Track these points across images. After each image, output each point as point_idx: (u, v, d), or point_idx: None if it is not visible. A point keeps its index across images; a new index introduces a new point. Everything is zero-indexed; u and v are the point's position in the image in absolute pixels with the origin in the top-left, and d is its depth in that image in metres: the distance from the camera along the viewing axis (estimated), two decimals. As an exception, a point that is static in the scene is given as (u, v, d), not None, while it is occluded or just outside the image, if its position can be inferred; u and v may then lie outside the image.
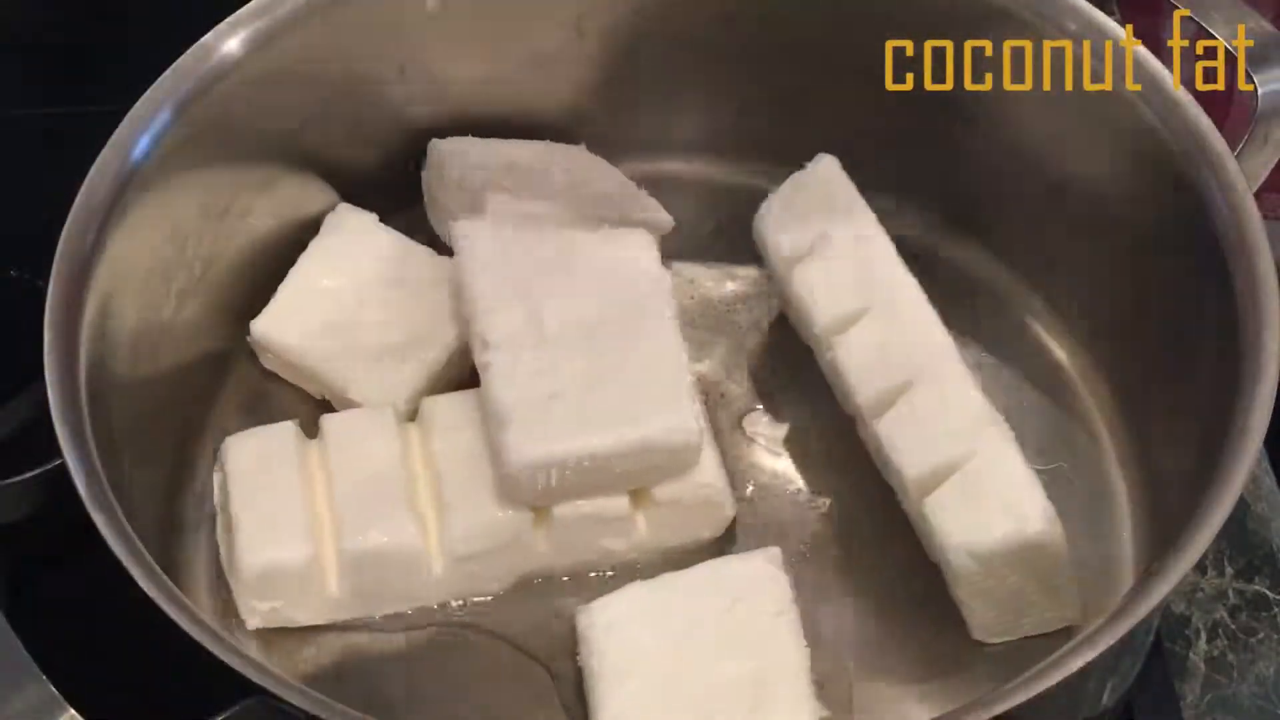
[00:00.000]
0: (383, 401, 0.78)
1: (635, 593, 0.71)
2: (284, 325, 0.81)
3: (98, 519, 0.64)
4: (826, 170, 0.82)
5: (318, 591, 0.73)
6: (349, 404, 0.79)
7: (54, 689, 0.60)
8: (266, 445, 0.75)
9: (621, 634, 0.70)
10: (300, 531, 0.72)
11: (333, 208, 0.87)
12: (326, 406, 0.81)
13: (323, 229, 0.84)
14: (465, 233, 0.77)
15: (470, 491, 0.73)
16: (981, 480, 0.71)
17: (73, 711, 0.60)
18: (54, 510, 0.69)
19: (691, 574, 0.72)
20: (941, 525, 0.71)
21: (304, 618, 0.73)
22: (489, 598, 0.75)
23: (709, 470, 0.75)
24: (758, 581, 0.72)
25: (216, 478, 0.76)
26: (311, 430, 0.77)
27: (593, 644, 0.70)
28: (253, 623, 0.73)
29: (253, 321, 0.81)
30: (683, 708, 0.68)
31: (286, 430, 0.75)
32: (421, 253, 0.84)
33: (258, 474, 0.73)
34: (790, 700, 0.68)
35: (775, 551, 0.73)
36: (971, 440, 0.72)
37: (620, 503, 0.74)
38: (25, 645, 0.61)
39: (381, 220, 0.85)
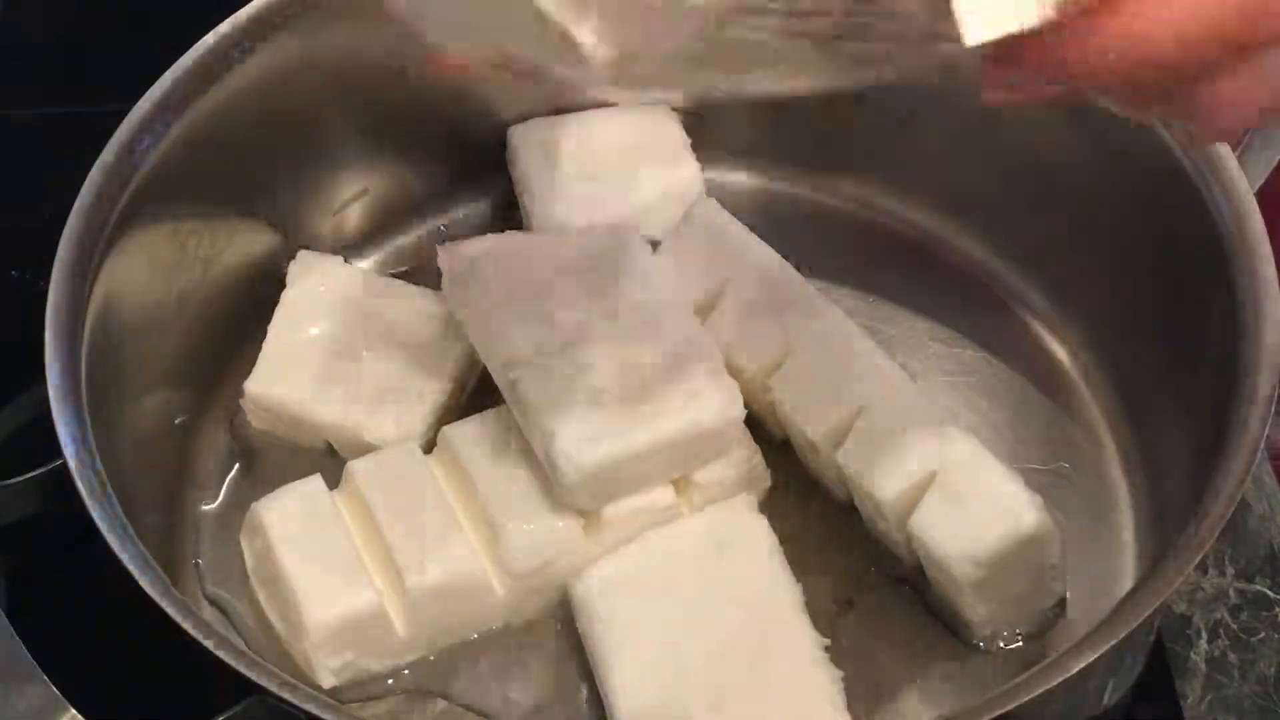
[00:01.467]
0: (397, 440, 0.77)
1: (624, 554, 0.72)
2: (280, 381, 0.79)
3: (98, 519, 0.64)
4: (707, 212, 0.81)
5: (387, 636, 0.72)
6: (360, 447, 0.78)
7: (55, 689, 0.60)
8: (300, 503, 0.73)
9: (618, 596, 0.70)
10: (362, 579, 0.71)
11: (335, 210, 0.87)
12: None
13: (289, 279, 0.82)
14: (448, 255, 0.77)
15: (518, 508, 0.72)
16: (960, 487, 0.70)
17: (74, 711, 0.60)
18: (55, 510, 0.69)
19: (674, 529, 0.72)
20: (936, 540, 0.70)
21: (376, 665, 0.72)
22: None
23: (745, 444, 0.75)
24: (739, 527, 0.73)
25: (248, 545, 0.75)
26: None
27: (591, 610, 0.70)
28: (329, 682, 0.71)
29: (245, 383, 0.79)
30: (691, 660, 0.69)
31: (316, 484, 0.74)
32: (398, 286, 0.83)
33: (302, 533, 0.72)
34: (793, 636, 0.69)
35: (748, 497, 0.74)
36: (937, 450, 0.72)
37: (666, 493, 0.73)
38: (27, 645, 0.62)
39: (363, 236, 0.86)
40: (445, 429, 0.76)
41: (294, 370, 0.79)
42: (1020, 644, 0.73)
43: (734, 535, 0.72)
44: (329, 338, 0.80)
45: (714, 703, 0.68)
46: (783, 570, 0.71)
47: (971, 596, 0.71)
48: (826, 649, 0.70)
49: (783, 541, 0.73)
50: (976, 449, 0.72)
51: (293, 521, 0.72)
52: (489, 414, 0.76)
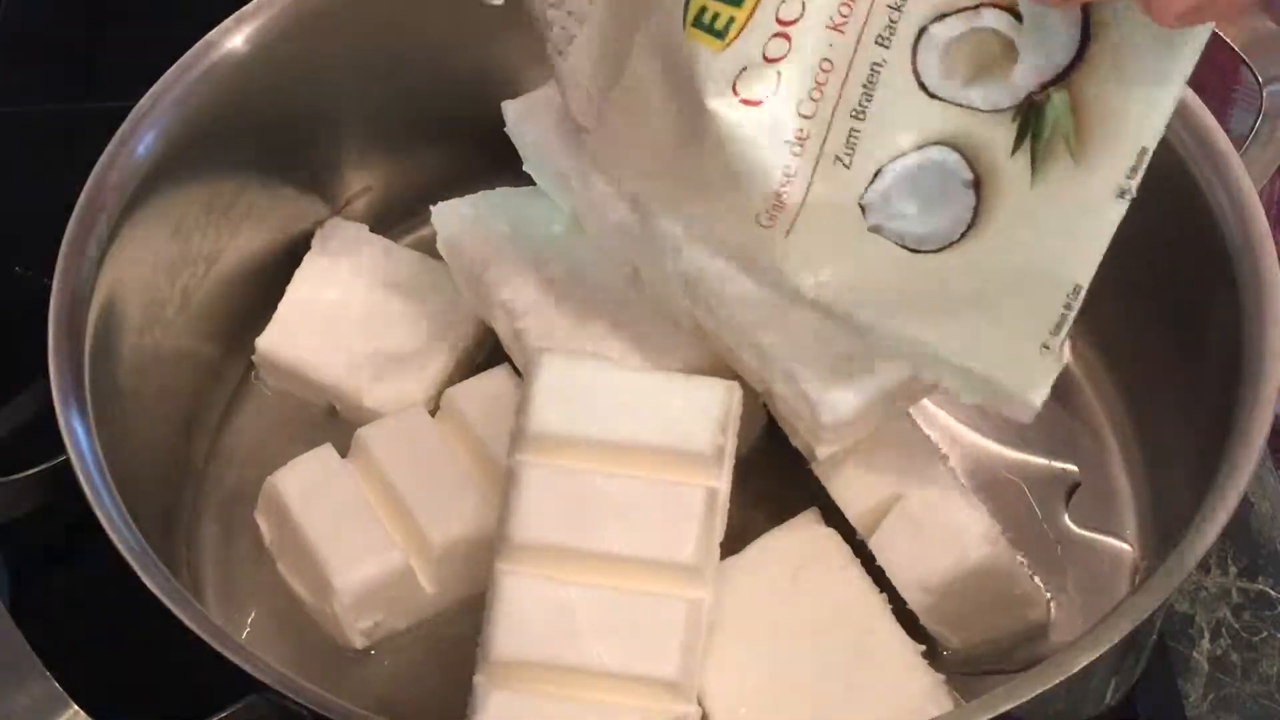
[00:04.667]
0: (397, 407, 0.78)
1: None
2: (289, 340, 0.81)
3: (101, 515, 0.64)
4: None
5: (414, 593, 0.73)
6: (361, 411, 0.79)
7: (57, 685, 0.60)
8: (314, 472, 0.74)
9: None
10: (386, 540, 0.72)
11: (339, 207, 0.87)
12: (330, 409, 0.82)
13: (315, 243, 0.84)
14: (442, 216, 0.79)
15: None
16: (920, 513, 0.71)
17: (76, 708, 0.60)
18: (58, 506, 0.70)
19: (746, 556, 0.72)
20: (890, 563, 0.71)
21: (403, 623, 0.74)
22: None
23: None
24: (811, 543, 0.72)
25: (265, 519, 0.75)
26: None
27: None
28: (360, 643, 0.72)
29: (257, 339, 0.81)
30: (787, 683, 0.68)
31: (327, 453, 0.75)
32: (415, 259, 0.84)
33: (319, 500, 0.73)
34: (887, 645, 0.69)
35: (815, 511, 0.73)
36: (904, 472, 0.72)
37: None
38: (29, 641, 0.62)
39: (379, 225, 0.86)
40: (449, 391, 0.77)
41: (305, 331, 0.81)
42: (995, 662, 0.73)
43: (806, 552, 0.72)
44: (344, 302, 0.82)
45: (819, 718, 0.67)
46: (863, 579, 0.71)
47: (925, 618, 0.71)
48: (923, 653, 0.69)
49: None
50: (943, 474, 0.72)
51: (310, 490, 0.73)
52: (491, 373, 0.77)
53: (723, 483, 0.67)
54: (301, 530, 0.72)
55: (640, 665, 0.64)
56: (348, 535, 0.72)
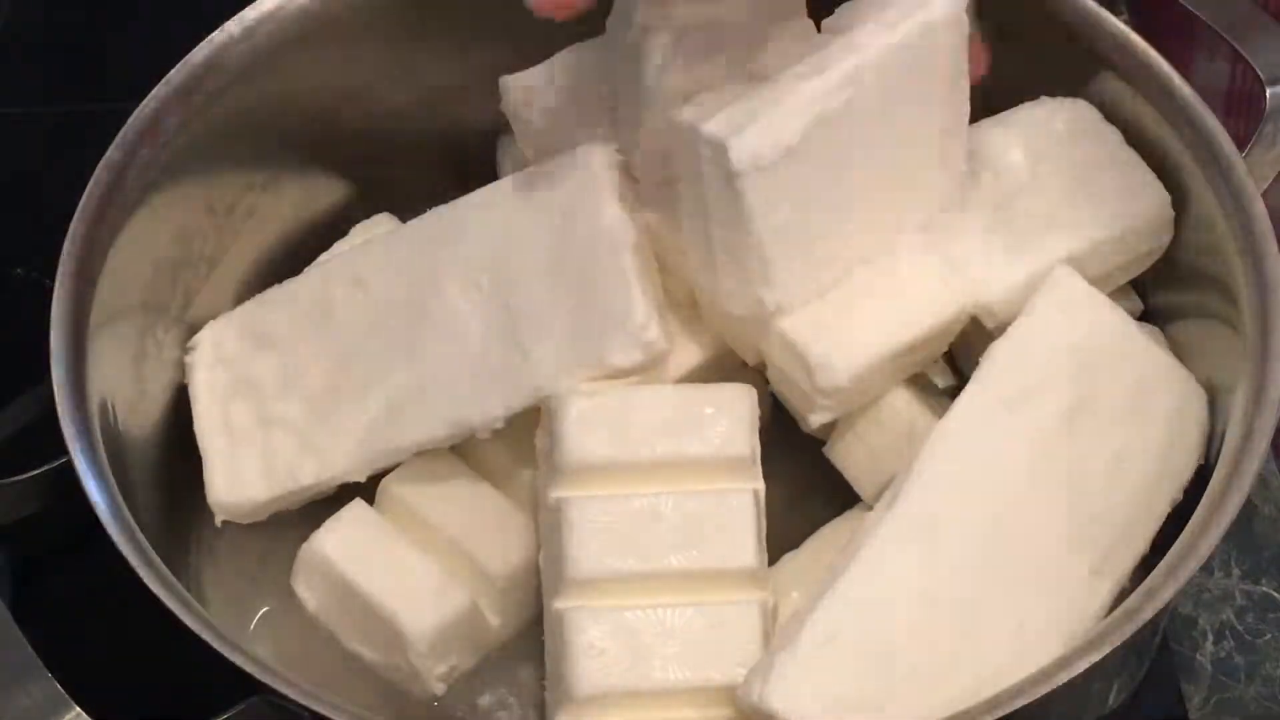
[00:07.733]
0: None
1: (779, 577, 0.71)
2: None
3: (103, 516, 0.64)
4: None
5: (482, 629, 0.72)
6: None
7: (59, 686, 0.60)
8: (354, 528, 0.73)
9: None
10: (448, 583, 0.71)
11: (342, 208, 0.87)
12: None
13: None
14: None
15: None
16: None
17: (78, 709, 0.60)
18: (60, 508, 0.70)
19: (804, 551, 0.72)
20: None
21: (470, 662, 0.73)
22: None
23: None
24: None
25: (307, 584, 0.73)
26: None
27: None
28: (440, 689, 0.71)
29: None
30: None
31: (361, 508, 0.73)
32: None
33: (369, 556, 0.72)
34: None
35: (862, 503, 0.74)
36: (910, 450, 0.71)
37: None
38: (30, 642, 0.62)
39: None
40: None
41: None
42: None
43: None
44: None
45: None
46: None
47: None
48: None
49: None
50: None
51: (355, 547, 0.72)
52: None
53: (762, 483, 0.68)
54: (358, 589, 0.71)
55: (725, 674, 0.65)
56: (407, 584, 0.71)
